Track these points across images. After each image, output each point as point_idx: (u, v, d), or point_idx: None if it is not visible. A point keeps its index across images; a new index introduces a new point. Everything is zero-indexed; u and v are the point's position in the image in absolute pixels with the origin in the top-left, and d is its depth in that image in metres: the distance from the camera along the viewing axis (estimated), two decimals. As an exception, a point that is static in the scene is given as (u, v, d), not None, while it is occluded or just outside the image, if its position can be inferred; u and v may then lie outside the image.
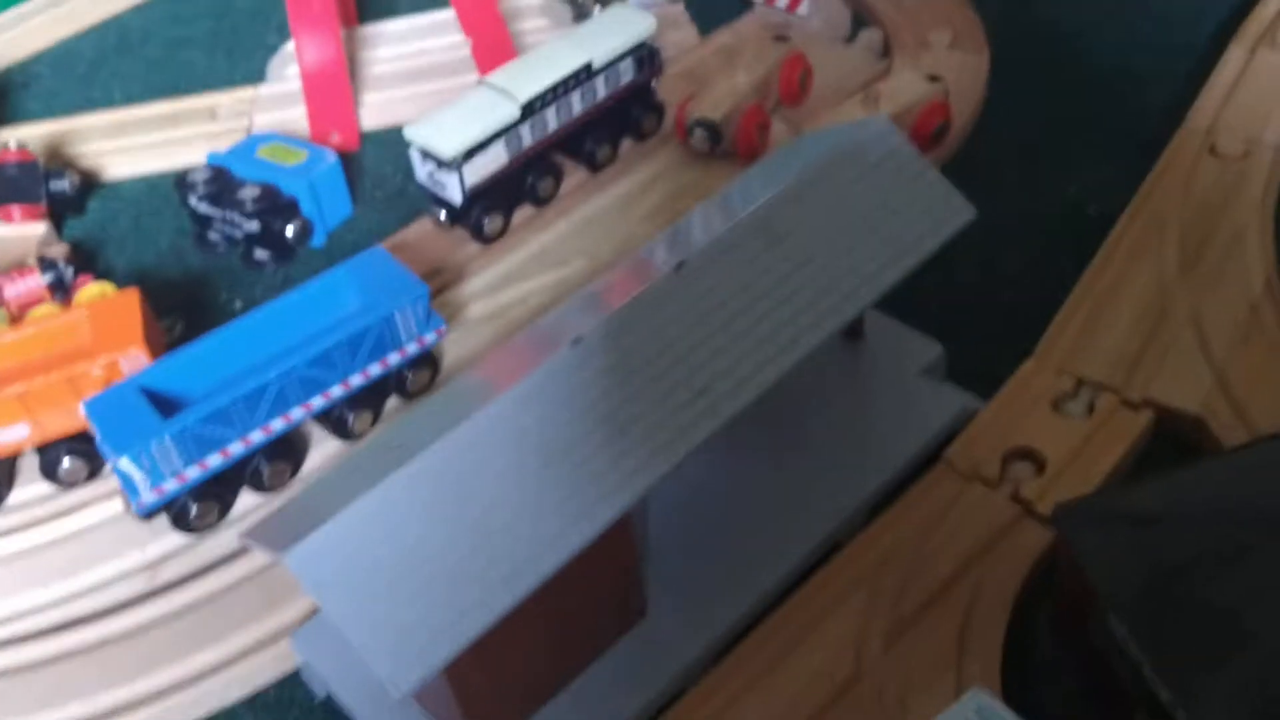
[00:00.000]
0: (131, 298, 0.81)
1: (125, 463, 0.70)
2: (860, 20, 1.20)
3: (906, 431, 0.75)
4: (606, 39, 0.98)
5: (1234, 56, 1.06)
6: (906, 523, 0.71)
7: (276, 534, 0.56)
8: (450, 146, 0.90)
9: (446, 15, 1.25)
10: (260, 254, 1.00)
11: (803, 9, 1.15)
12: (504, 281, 0.94)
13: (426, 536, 0.53)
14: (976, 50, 1.11)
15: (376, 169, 1.11)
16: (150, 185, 1.12)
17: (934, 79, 1.00)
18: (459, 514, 0.54)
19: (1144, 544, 0.52)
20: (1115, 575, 0.52)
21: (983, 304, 0.87)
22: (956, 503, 0.71)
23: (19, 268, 0.94)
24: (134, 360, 0.77)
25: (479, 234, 0.96)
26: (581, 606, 0.62)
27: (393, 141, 1.14)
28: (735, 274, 0.65)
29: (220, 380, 0.76)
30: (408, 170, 1.10)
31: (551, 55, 0.96)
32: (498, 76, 0.94)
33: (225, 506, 0.77)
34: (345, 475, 0.60)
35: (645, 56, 1.01)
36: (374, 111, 1.15)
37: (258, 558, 0.74)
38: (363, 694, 0.65)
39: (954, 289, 0.87)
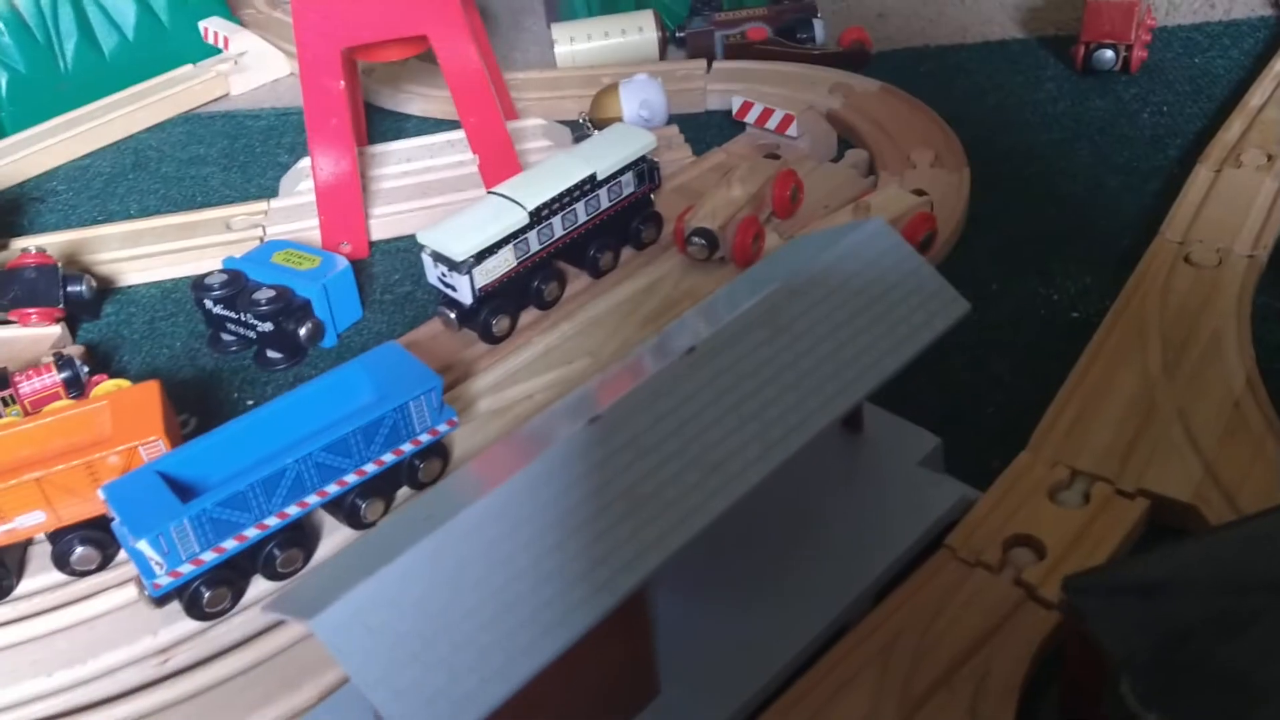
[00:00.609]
0: (152, 389, 0.83)
1: (143, 545, 0.71)
2: (846, 142, 1.26)
3: (908, 519, 0.77)
4: (610, 153, 1.04)
5: (1201, 175, 1.12)
6: (912, 607, 0.72)
7: (302, 602, 0.57)
8: (462, 249, 0.94)
9: (450, 136, 1.32)
10: (273, 354, 1.02)
11: (792, 131, 1.22)
12: (510, 379, 0.96)
13: (450, 605, 0.55)
14: (957, 169, 1.17)
15: (385, 276, 1.15)
16: (165, 291, 1.16)
17: (919, 193, 1.06)
18: (481, 583, 0.56)
19: (1154, 611, 0.54)
20: (1127, 641, 0.53)
21: (975, 401, 0.90)
22: (960, 587, 0.73)
23: (35, 366, 0.96)
24: (153, 448, 0.78)
25: (487, 334, 0.99)
26: (597, 682, 0.63)
27: (400, 251, 1.19)
28: (743, 360, 0.68)
29: (237, 467, 0.77)
30: (415, 277, 1.14)
31: (558, 167, 1.02)
32: (507, 186, 0.99)
33: (238, 593, 0.77)
34: (370, 546, 0.61)
35: (645, 170, 1.07)
36: (382, 223, 1.20)
37: (269, 643, 0.74)
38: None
39: (947, 388, 0.91)
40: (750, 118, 1.25)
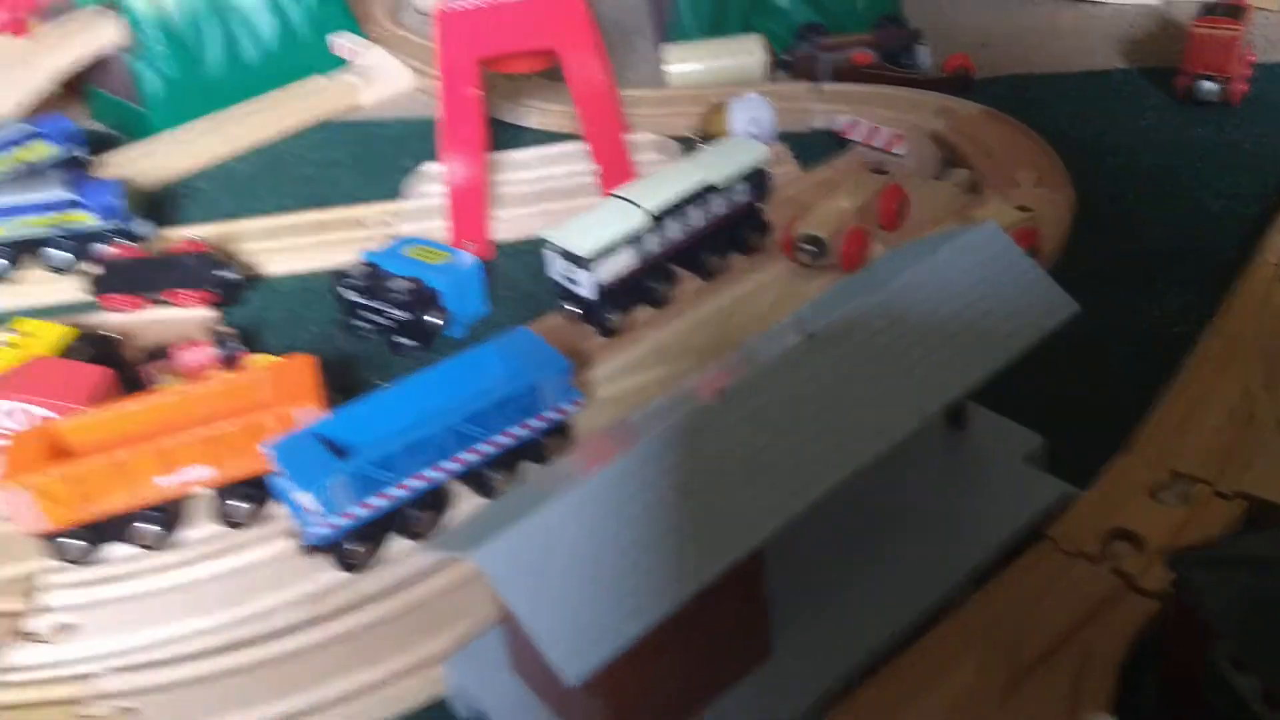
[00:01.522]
0: (307, 361, 0.91)
1: (303, 496, 0.79)
2: (951, 162, 1.31)
3: (1010, 511, 0.81)
4: (725, 163, 1.10)
5: (1301, 200, 1.15)
6: (1015, 590, 0.76)
7: (460, 541, 0.64)
8: (586, 247, 1.00)
9: (566, 148, 1.39)
10: (403, 340, 1.10)
11: (899, 149, 1.26)
12: (625, 371, 1.02)
13: (594, 548, 0.60)
14: (1060, 188, 1.20)
15: (507, 274, 1.22)
16: (302, 281, 1.24)
17: (1023, 209, 1.10)
18: (622, 532, 0.61)
19: (1256, 582, 0.57)
20: (1226, 609, 0.57)
21: (1078, 405, 0.93)
22: (1062, 575, 0.77)
23: (191, 341, 1.05)
24: (309, 413, 0.86)
25: (604, 328, 1.05)
26: (715, 636, 0.68)
27: (520, 252, 1.26)
28: (860, 347, 0.73)
29: (383, 433, 0.84)
30: (534, 276, 1.21)
31: (676, 174, 1.08)
32: (628, 190, 1.06)
33: (378, 547, 0.84)
34: (518, 498, 0.67)
35: (758, 180, 1.12)
36: (504, 226, 1.28)
37: (409, 595, 0.81)
38: (514, 714, 0.70)
39: (1052, 391, 0.94)
40: (856, 136, 1.30)
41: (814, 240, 1.08)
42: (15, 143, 1.35)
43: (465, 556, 0.60)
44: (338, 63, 1.68)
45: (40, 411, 0.90)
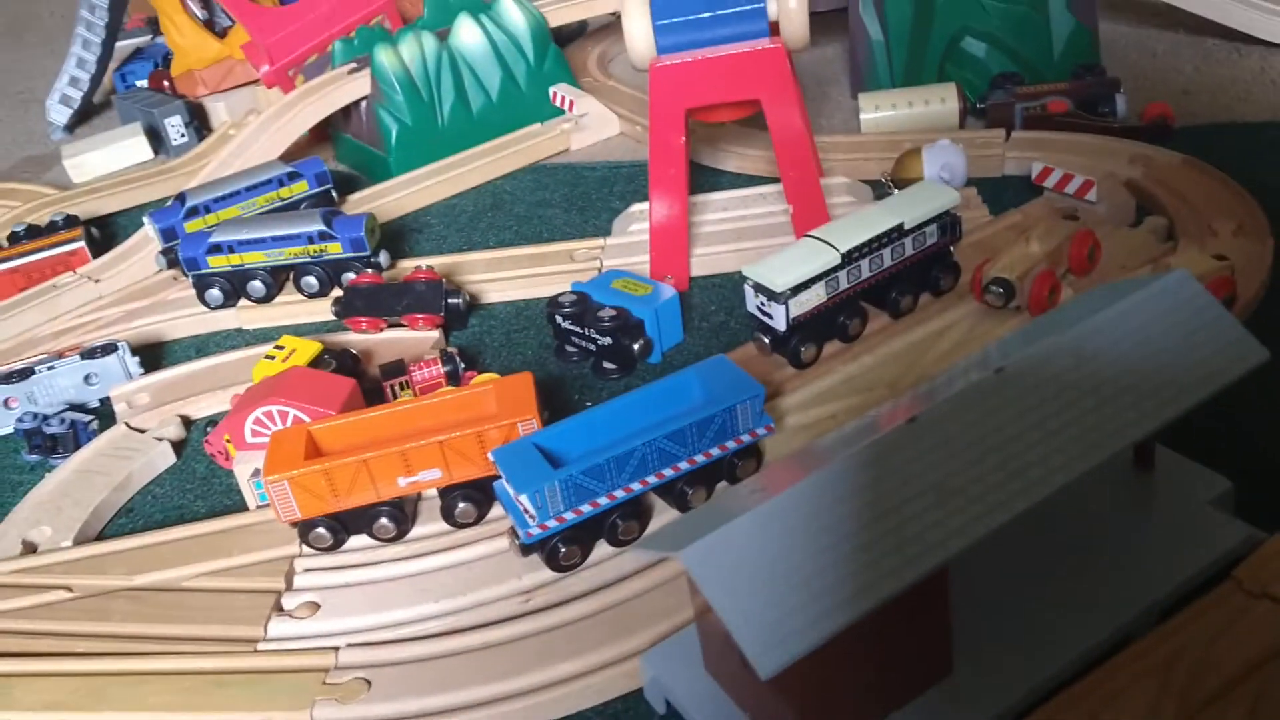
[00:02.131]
0: (527, 378, 1.01)
1: (523, 498, 0.88)
2: (1146, 210, 1.31)
3: (1195, 551, 0.82)
4: (916, 206, 1.14)
5: None
6: (1195, 627, 0.77)
7: (667, 542, 0.71)
8: (781, 282, 1.07)
9: (763, 190, 1.47)
10: (609, 365, 1.19)
11: (1091, 195, 1.28)
12: (815, 401, 1.08)
13: (792, 553, 0.67)
14: (1261, 239, 1.19)
15: (703, 307, 1.30)
16: (518, 309, 1.36)
17: (1220, 258, 1.10)
18: (817, 539, 0.67)
19: None
20: None
21: (1268, 451, 0.93)
22: (1244, 615, 0.77)
23: (423, 360, 1.17)
24: (529, 426, 0.96)
25: (795, 360, 1.11)
26: (898, 649, 0.72)
27: (715, 286, 1.34)
28: (1048, 382, 0.76)
29: (593, 446, 0.93)
30: (729, 309, 1.29)
31: (869, 217, 1.13)
32: (822, 231, 1.12)
33: (585, 552, 0.93)
34: (716, 509, 0.74)
35: (948, 223, 1.16)
36: (701, 262, 1.36)
37: (612, 595, 0.89)
38: (705, 709, 0.77)
39: (1242, 438, 0.94)
40: (1049, 182, 1.32)
41: (1003, 283, 1.12)
42: (279, 182, 1.54)
43: (671, 555, 0.68)
44: (555, 112, 1.82)
45: (296, 414, 1.04)
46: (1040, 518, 0.82)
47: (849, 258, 1.10)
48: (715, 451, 0.95)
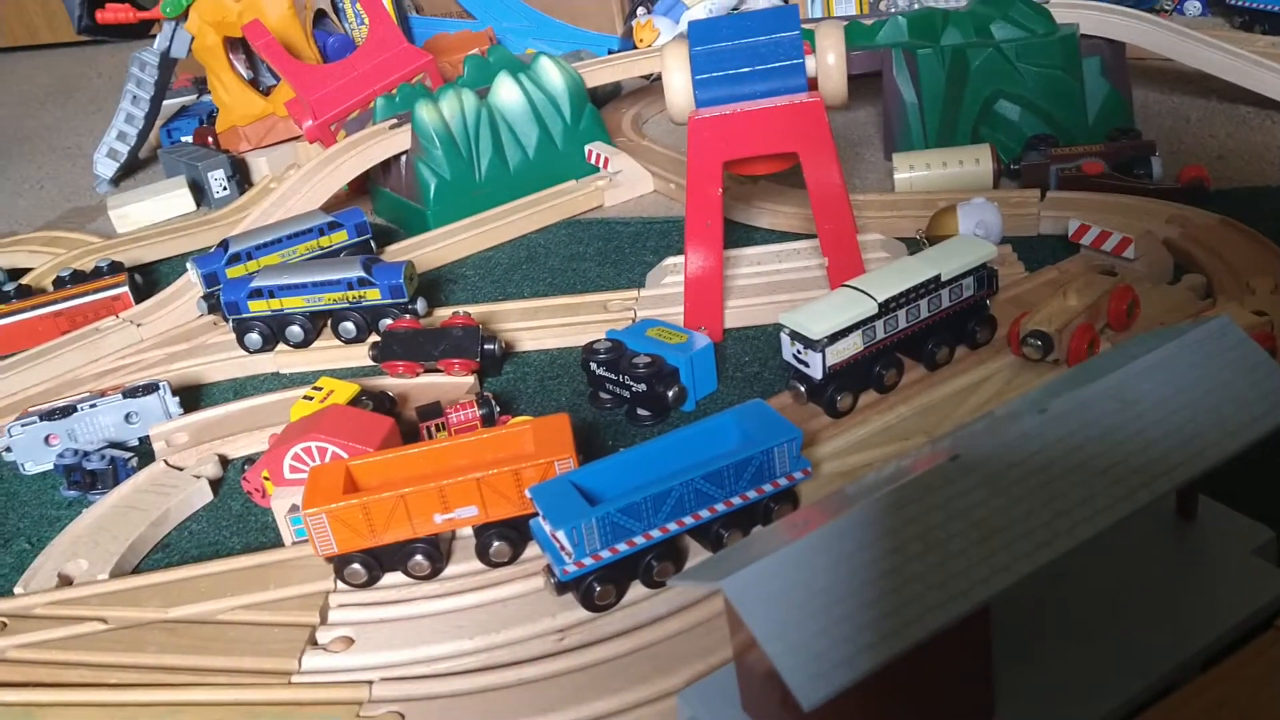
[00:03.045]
0: (564, 419, 1.02)
1: (560, 535, 0.88)
2: (1183, 267, 1.31)
3: (1237, 600, 0.81)
4: (953, 258, 1.15)
5: None
6: (1237, 677, 0.76)
7: (707, 575, 0.71)
8: (818, 330, 1.07)
9: (796, 245, 1.48)
10: (642, 411, 1.19)
11: (1129, 252, 1.28)
12: (851, 449, 1.08)
13: (834, 585, 0.66)
14: (1300, 297, 1.19)
15: (736, 357, 1.30)
16: (552, 357, 1.37)
17: (1259, 314, 1.10)
18: (859, 572, 0.67)
19: None
20: None
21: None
22: (1290, 666, 0.76)
23: (459, 403, 1.18)
24: (565, 465, 0.96)
25: (831, 408, 1.11)
26: (940, 689, 0.71)
27: (749, 338, 1.34)
28: (1091, 424, 0.76)
29: (629, 486, 0.93)
30: (762, 360, 1.29)
31: (906, 268, 1.14)
32: (859, 280, 1.13)
33: (620, 592, 0.92)
34: (749, 547, 0.74)
35: (985, 276, 1.17)
36: (734, 313, 1.37)
37: (647, 635, 0.88)
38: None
39: (1283, 487, 0.93)
40: (1086, 239, 1.33)
41: (1041, 335, 1.12)
42: (320, 231, 1.57)
43: (712, 586, 0.67)
44: (590, 169, 1.85)
45: (335, 451, 1.05)
46: (1083, 563, 0.81)
47: (886, 308, 1.11)
48: (752, 494, 0.95)
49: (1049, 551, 0.70)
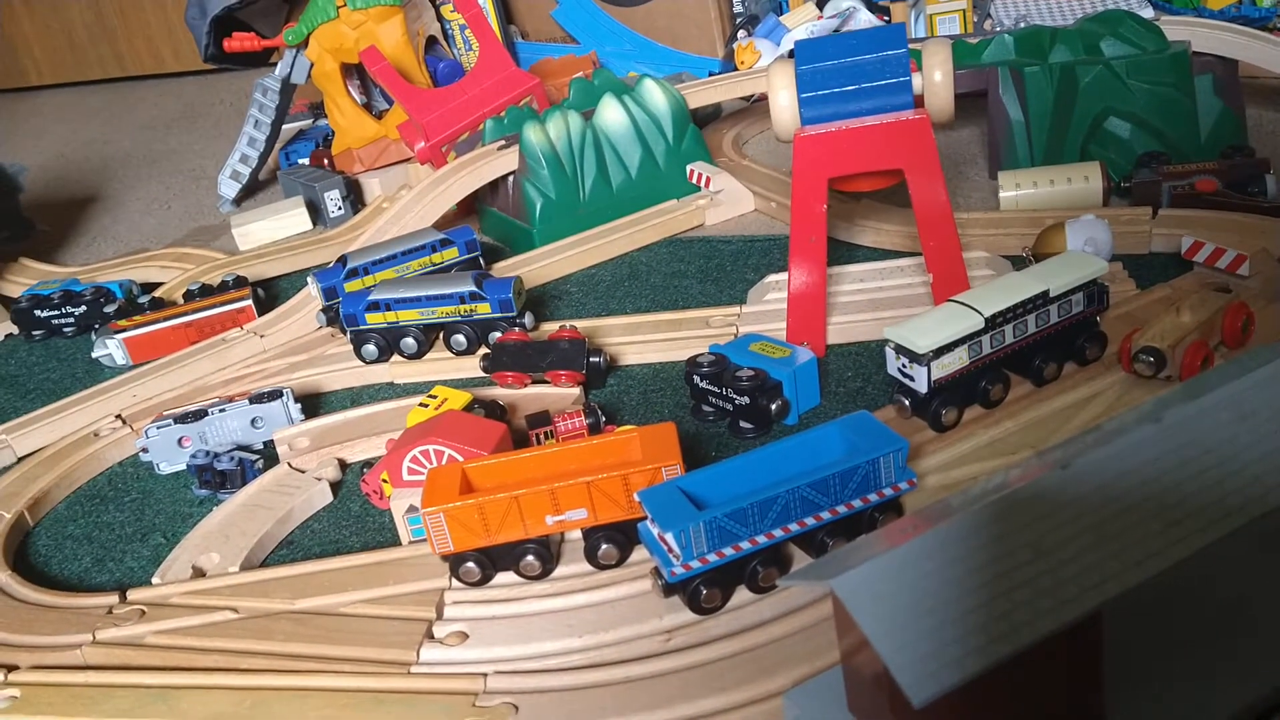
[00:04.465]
0: (670, 427, 1.04)
1: (668, 537, 0.90)
2: (1300, 286, 1.28)
3: (1364, 619, 0.79)
4: (1063, 274, 1.15)
5: None
6: (1367, 697, 0.74)
7: (817, 575, 0.72)
8: (924, 344, 1.08)
9: (900, 263, 1.49)
10: (745, 424, 1.21)
11: (1244, 270, 1.26)
12: (956, 463, 1.08)
13: (946, 586, 0.67)
14: None
15: (839, 373, 1.32)
16: (655, 371, 1.40)
17: (1384, 331, 1.07)
18: (972, 575, 0.68)
19: None
20: None
21: None
22: None
23: (568, 412, 1.22)
24: (673, 470, 0.98)
25: (936, 423, 1.12)
26: (1051, 697, 0.71)
27: (851, 354, 1.35)
28: (1206, 437, 0.76)
29: (735, 493, 0.95)
30: (865, 375, 1.30)
31: (1014, 283, 1.14)
32: (966, 295, 1.13)
33: (726, 596, 0.94)
34: (867, 544, 0.75)
35: (1095, 292, 1.16)
36: (837, 329, 1.38)
37: (752, 638, 0.90)
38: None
39: None
40: (1199, 257, 1.31)
41: (1153, 352, 1.10)
42: (432, 248, 1.63)
43: (823, 585, 0.69)
44: (691, 189, 1.88)
45: (451, 454, 1.09)
46: (1199, 575, 0.80)
47: (993, 322, 1.11)
48: (857, 503, 0.96)
49: (1161, 560, 0.70)
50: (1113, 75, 1.68)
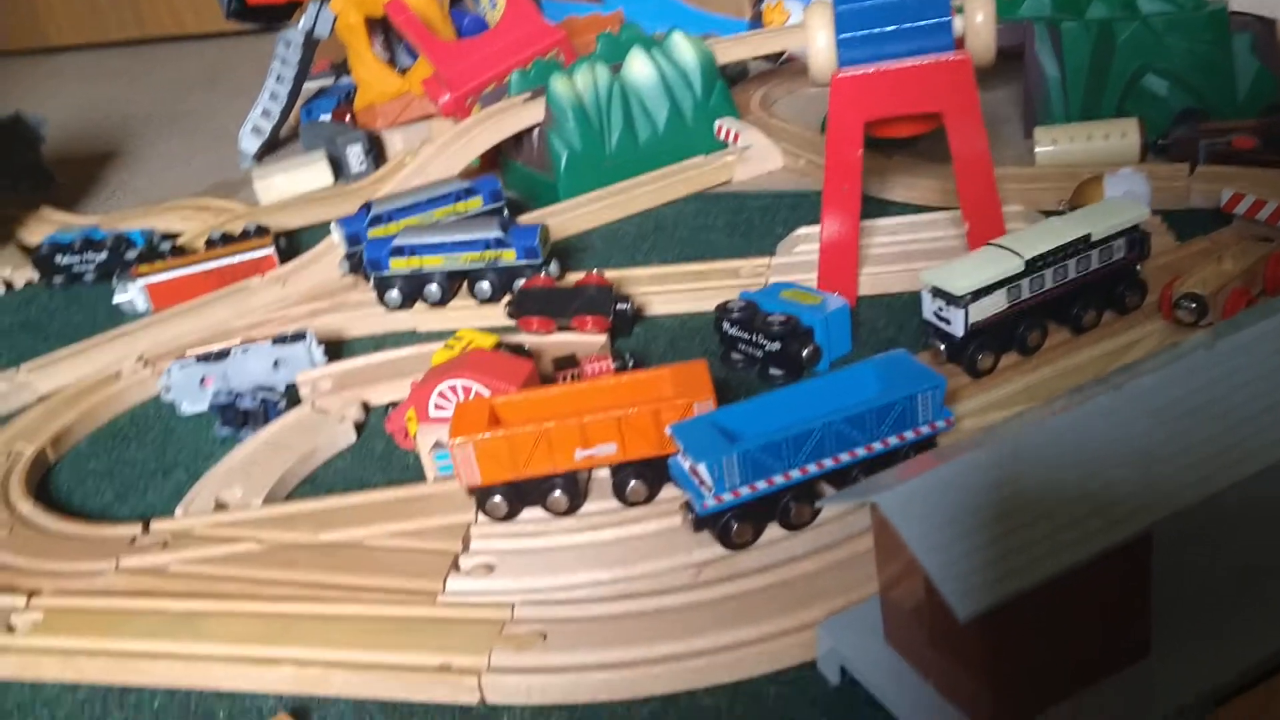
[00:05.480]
0: (702, 364, 1.02)
1: (701, 469, 0.89)
2: (1344, 240, 1.25)
3: None
4: (1104, 219, 1.12)
5: None
6: None
7: (859, 494, 0.71)
8: (962, 286, 1.06)
9: (932, 216, 1.47)
10: (775, 370, 1.19)
11: (1286, 222, 1.23)
12: (993, 407, 1.06)
13: (994, 504, 0.65)
14: None
15: (870, 323, 1.30)
16: (682, 321, 1.38)
17: None
18: (1020, 494, 0.66)
19: None
20: None
21: None
22: None
23: (596, 356, 1.20)
24: (705, 406, 0.97)
25: (971, 368, 1.10)
26: (1096, 621, 0.70)
27: (882, 305, 1.33)
28: (1260, 362, 0.74)
29: (770, 426, 0.93)
30: (896, 325, 1.28)
31: (1054, 226, 1.12)
32: (1006, 239, 1.11)
33: (757, 532, 0.92)
34: (906, 469, 0.74)
35: (1137, 239, 1.14)
36: (869, 281, 1.36)
37: (785, 572, 0.88)
38: (885, 677, 0.75)
39: None
40: (1240, 209, 1.28)
41: (1195, 298, 1.08)
42: (456, 197, 1.61)
43: (866, 500, 0.67)
44: (718, 146, 1.86)
45: (479, 389, 1.07)
46: (1245, 503, 0.78)
47: (1033, 266, 1.09)
48: (893, 440, 0.94)
49: (1212, 484, 0.68)
50: (1150, 32, 1.65)
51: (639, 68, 1.82)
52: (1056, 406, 0.76)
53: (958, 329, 1.08)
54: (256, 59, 3.51)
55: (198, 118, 3.00)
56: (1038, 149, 1.59)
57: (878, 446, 0.93)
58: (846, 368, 0.99)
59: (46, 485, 1.25)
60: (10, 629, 0.97)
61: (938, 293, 1.09)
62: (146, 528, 1.08)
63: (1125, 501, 0.66)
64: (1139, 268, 1.16)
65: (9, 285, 1.88)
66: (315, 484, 1.16)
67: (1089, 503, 0.66)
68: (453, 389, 1.08)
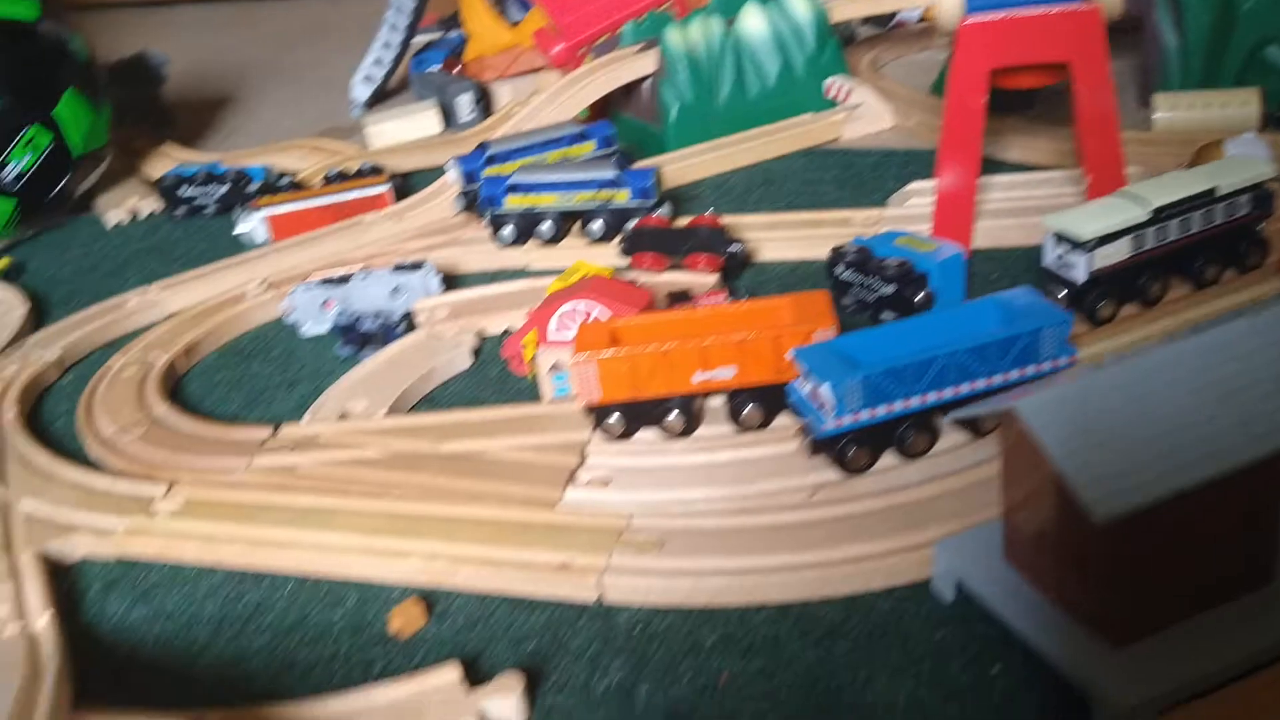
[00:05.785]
0: (824, 294, 1.04)
1: (823, 390, 0.90)
2: None
3: None
4: (1231, 174, 1.11)
5: None
6: None
7: (997, 403, 0.72)
8: (1087, 230, 1.06)
9: (1049, 174, 1.46)
10: (887, 315, 1.20)
11: None
12: (1111, 354, 1.06)
13: (1132, 417, 0.66)
14: None
15: (983, 275, 1.30)
16: (792, 267, 1.40)
17: None
18: (1158, 407, 0.67)
19: None
20: None
21: None
22: None
23: (711, 291, 1.22)
24: (825, 334, 0.98)
25: (1092, 315, 1.09)
26: (1222, 543, 0.70)
27: (996, 259, 1.33)
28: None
29: (893, 353, 0.94)
30: (1011, 278, 1.28)
31: (1181, 178, 1.11)
32: (1134, 187, 1.10)
33: (873, 458, 0.94)
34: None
35: (1261, 195, 1.12)
36: (982, 233, 1.36)
37: (900, 497, 0.90)
38: (1003, 593, 0.76)
39: None
40: (1372, 174, 1.25)
41: (1323, 256, 1.07)
42: (570, 141, 1.64)
43: (1005, 407, 0.69)
44: (827, 105, 1.86)
45: (600, 311, 1.10)
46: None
47: (1159, 215, 1.08)
48: (1015, 374, 0.94)
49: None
50: (1273, 3, 1.61)
51: (753, 22, 1.83)
52: (1188, 331, 0.77)
53: (1079, 275, 1.08)
54: (359, 17, 3.58)
55: (306, 68, 3.08)
56: (1156, 114, 1.57)
57: (998, 380, 0.94)
58: (974, 302, 1.00)
59: (177, 393, 1.32)
60: (152, 514, 1.02)
61: (1061, 238, 1.09)
62: (276, 431, 1.14)
63: (1266, 419, 0.67)
64: (1261, 226, 1.15)
65: (135, 214, 1.96)
66: (433, 403, 1.20)
67: (1224, 419, 0.67)
68: (575, 311, 1.11)
